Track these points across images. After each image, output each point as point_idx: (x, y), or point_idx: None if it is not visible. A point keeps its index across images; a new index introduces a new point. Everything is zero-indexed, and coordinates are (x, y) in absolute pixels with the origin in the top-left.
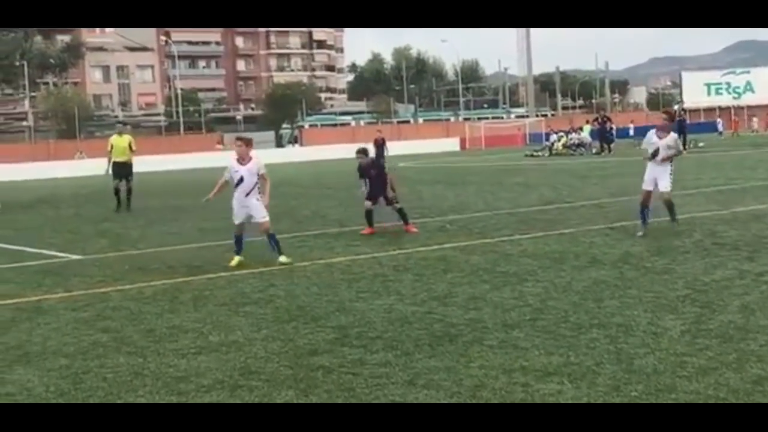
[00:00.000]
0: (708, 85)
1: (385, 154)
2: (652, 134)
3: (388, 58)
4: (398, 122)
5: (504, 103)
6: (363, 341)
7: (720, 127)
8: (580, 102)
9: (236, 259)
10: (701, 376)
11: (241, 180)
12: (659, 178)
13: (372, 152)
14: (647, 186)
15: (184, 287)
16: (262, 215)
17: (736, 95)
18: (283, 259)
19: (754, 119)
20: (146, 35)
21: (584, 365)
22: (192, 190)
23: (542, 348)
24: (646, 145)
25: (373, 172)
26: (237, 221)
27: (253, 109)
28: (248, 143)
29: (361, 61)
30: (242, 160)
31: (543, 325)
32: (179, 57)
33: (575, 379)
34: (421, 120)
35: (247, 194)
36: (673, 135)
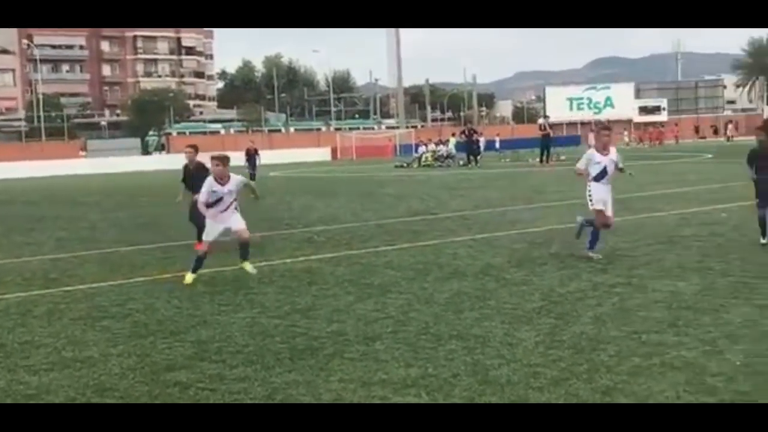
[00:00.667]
0: (570, 100)
1: (258, 164)
2: (593, 153)
3: (259, 66)
4: (269, 131)
5: (375, 114)
6: (222, 356)
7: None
8: (449, 114)
9: (190, 276)
10: (553, 387)
11: (220, 200)
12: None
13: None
14: (599, 206)
15: (39, 300)
16: (242, 224)
17: (596, 110)
18: (248, 267)
19: (625, 132)
20: (7, 37)
21: (441, 377)
22: (52, 198)
23: (402, 360)
24: (585, 164)
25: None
26: (209, 238)
27: (118, 115)
28: (224, 162)
29: (232, 68)
30: (221, 179)
31: (404, 337)
32: (41, 61)
33: (432, 391)
34: (292, 129)
35: (224, 210)
36: (614, 149)
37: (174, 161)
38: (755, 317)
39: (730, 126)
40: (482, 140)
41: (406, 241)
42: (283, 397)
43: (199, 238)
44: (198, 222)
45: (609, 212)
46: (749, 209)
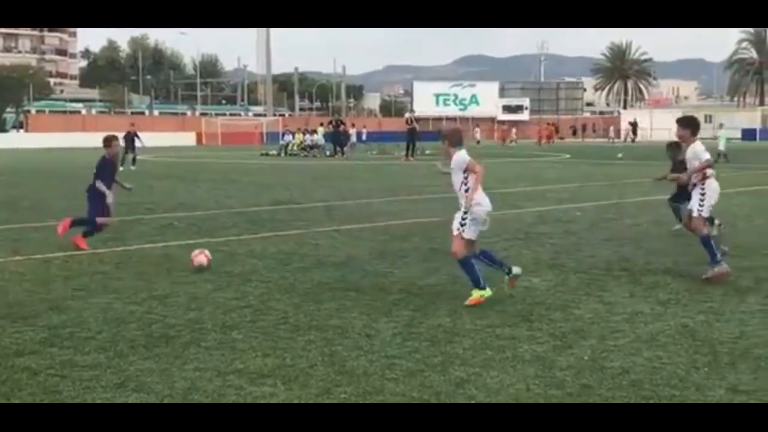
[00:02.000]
0: (437, 96)
1: (138, 146)
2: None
3: (124, 46)
4: (132, 113)
5: (242, 101)
6: (74, 342)
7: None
8: (317, 104)
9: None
10: (408, 378)
11: None
12: None
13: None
14: None
15: None
16: None
17: (462, 107)
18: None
19: (477, 129)
20: None
21: (298, 367)
22: None
23: (259, 350)
24: None
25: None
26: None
27: None
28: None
29: (96, 47)
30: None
31: (262, 326)
32: None
33: (288, 381)
34: (156, 112)
35: None
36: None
37: (33, 140)
38: (603, 313)
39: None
40: (353, 131)
41: (269, 229)
42: (135, 385)
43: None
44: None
45: None
46: (602, 209)
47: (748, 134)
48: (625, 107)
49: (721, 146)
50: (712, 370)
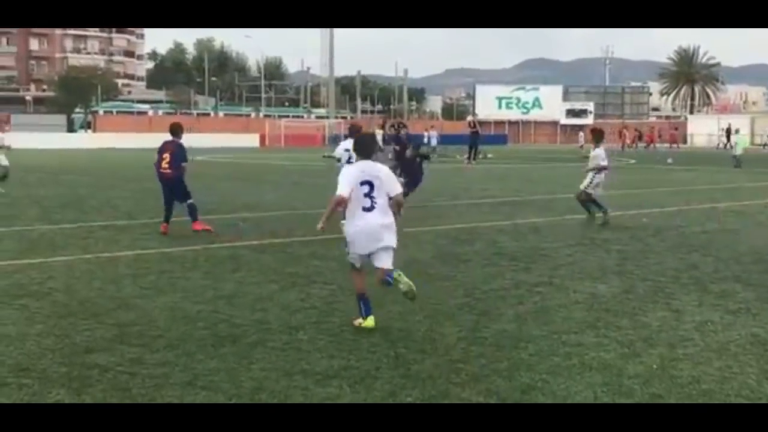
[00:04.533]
0: (499, 99)
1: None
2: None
3: (190, 49)
4: (198, 114)
5: (305, 103)
6: (143, 340)
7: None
8: (379, 107)
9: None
10: (473, 383)
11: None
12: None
13: None
14: None
15: None
16: None
17: (524, 110)
18: None
19: (581, 134)
20: None
21: (363, 369)
22: None
23: (324, 351)
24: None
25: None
26: None
27: (44, 90)
28: None
29: (163, 49)
30: None
31: (327, 327)
32: None
33: (354, 383)
34: (221, 114)
35: None
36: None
37: (99, 140)
38: (672, 321)
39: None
40: (435, 135)
41: (332, 231)
42: (204, 384)
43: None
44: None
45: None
46: (669, 215)
47: None
48: (692, 112)
49: (738, 151)
50: None
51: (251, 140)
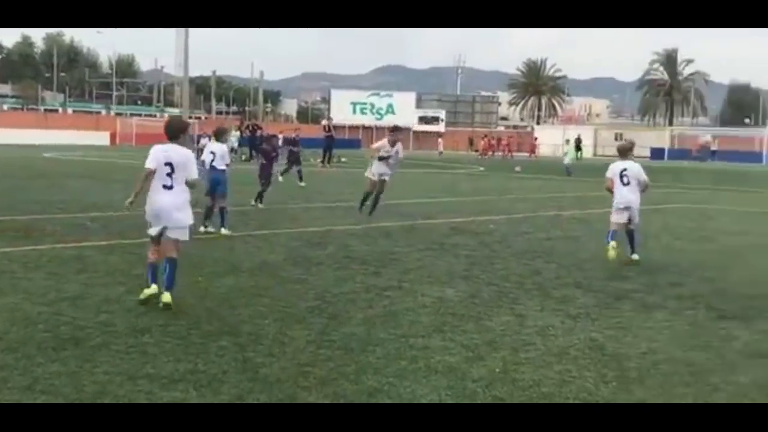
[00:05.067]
0: (354, 104)
1: None
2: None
3: (39, 43)
4: (45, 110)
5: (158, 102)
6: None
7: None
8: (234, 108)
9: None
10: (321, 387)
11: None
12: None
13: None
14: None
15: None
16: None
17: (378, 116)
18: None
19: (440, 141)
20: None
21: (210, 373)
22: None
23: (171, 354)
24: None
25: None
26: None
27: None
28: None
29: (9, 42)
30: None
31: (174, 330)
32: None
33: (200, 387)
34: (70, 110)
35: None
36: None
37: None
38: (515, 326)
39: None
40: (281, 137)
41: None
42: (43, 387)
43: None
44: None
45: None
46: (515, 222)
47: (657, 154)
48: (538, 122)
49: (567, 160)
50: (620, 384)
51: (101, 138)
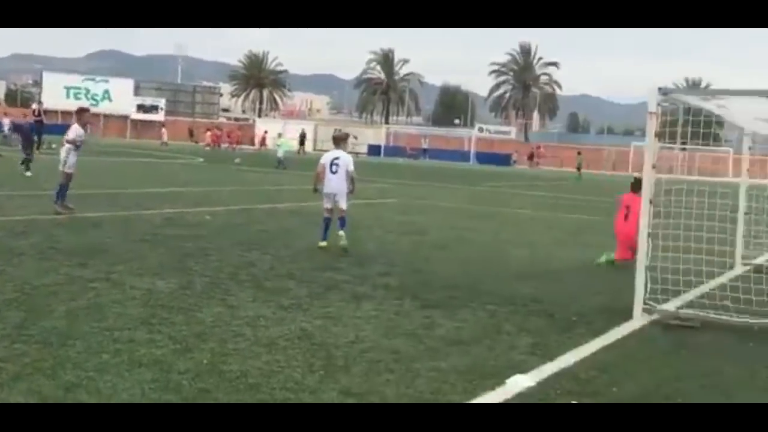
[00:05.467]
0: (68, 89)
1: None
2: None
3: None
4: None
5: None
6: None
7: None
8: None
9: None
10: (14, 383)
11: None
12: None
13: None
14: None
15: None
16: None
17: (94, 102)
18: None
19: (163, 131)
20: None
21: None
22: None
23: None
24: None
25: None
26: None
27: None
28: None
29: None
30: None
31: None
32: None
33: None
34: None
35: None
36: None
37: None
38: (226, 317)
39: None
40: (6, 121)
41: None
42: None
43: None
44: None
45: None
46: (232, 214)
47: (374, 150)
48: (260, 115)
49: (280, 153)
50: (327, 373)
51: None
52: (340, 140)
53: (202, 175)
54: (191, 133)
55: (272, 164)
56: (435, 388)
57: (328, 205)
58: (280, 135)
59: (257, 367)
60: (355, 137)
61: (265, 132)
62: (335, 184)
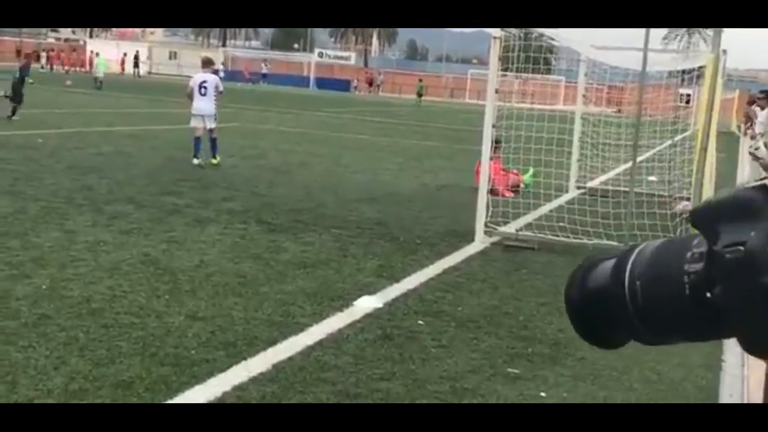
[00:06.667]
0: None
1: None
2: None
3: None
4: None
5: None
6: None
7: None
8: None
9: None
10: None
11: None
12: None
13: None
14: None
15: None
16: None
17: None
18: None
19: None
20: None
21: None
22: None
23: None
24: None
25: None
26: None
27: None
28: None
29: None
30: None
31: None
32: None
33: None
34: None
35: None
36: None
37: None
38: (64, 242)
39: None
40: None
41: None
42: None
43: None
44: None
45: None
46: (66, 137)
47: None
48: (91, 36)
49: (99, 74)
50: (173, 297)
51: None
52: (208, 63)
53: (31, 97)
54: (18, 53)
55: (109, 87)
56: (284, 311)
57: (197, 124)
58: (98, 54)
59: (100, 292)
60: (223, 64)
61: (91, 53)
62: (204, 105)
